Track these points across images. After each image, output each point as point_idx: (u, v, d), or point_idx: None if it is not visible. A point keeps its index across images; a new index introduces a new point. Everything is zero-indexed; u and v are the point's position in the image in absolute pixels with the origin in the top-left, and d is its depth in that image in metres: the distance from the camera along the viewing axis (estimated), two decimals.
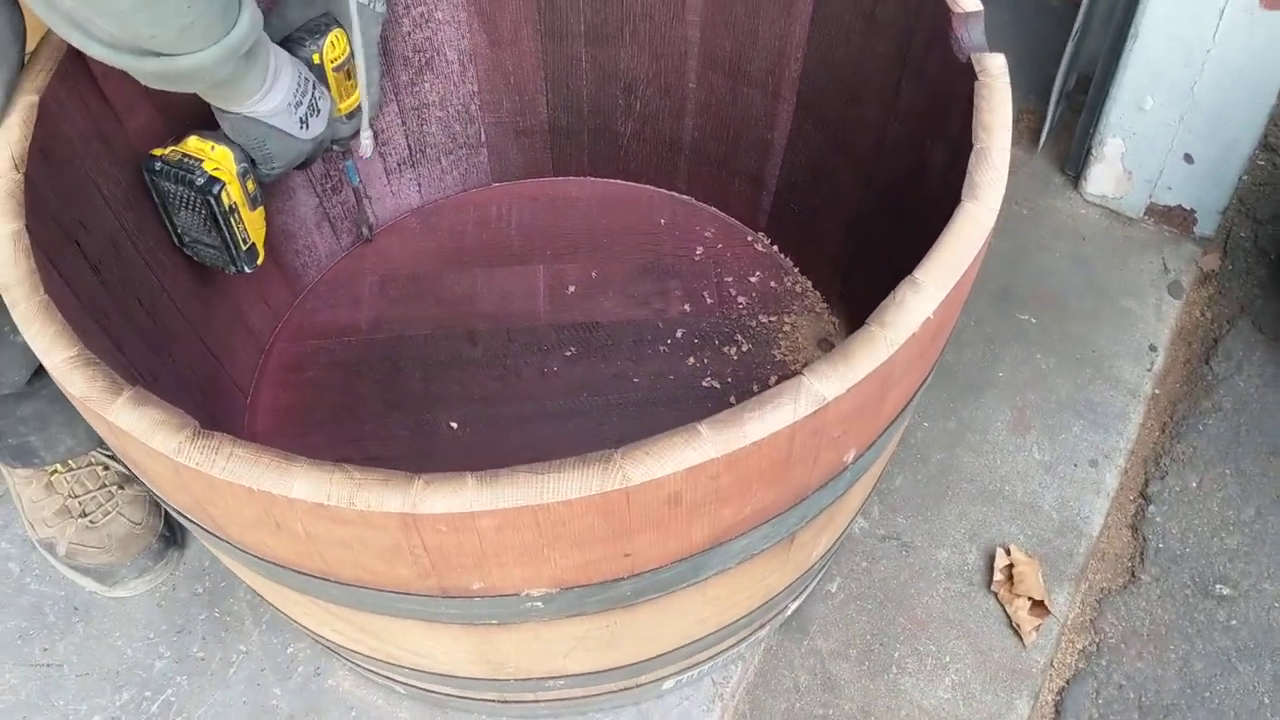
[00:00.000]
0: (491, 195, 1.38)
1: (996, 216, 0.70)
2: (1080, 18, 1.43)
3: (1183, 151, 1.40)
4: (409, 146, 1.29)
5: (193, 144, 0.91)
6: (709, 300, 1.26)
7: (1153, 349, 1.38)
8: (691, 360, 1.21)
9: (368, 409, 1.18)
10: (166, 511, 1.05)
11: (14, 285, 0.69)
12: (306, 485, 0.58)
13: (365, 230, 1.31)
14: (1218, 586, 1.19)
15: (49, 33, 0.82)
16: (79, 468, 1.15)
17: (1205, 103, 1.33)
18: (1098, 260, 1.47)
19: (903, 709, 1.10)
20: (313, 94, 0.94)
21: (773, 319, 1.25)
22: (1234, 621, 1.17)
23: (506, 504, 0.58)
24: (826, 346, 1.23)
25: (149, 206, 0.94)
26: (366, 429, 1.16)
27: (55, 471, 1.15)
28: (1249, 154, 1.36)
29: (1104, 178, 1.49)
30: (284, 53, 0.89)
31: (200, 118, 0.90)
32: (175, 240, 0.98)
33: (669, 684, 1.04)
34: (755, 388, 1.19)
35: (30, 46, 0.82)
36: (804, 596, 1.12)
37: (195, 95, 0.81)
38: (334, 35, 0.97)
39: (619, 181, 1.38)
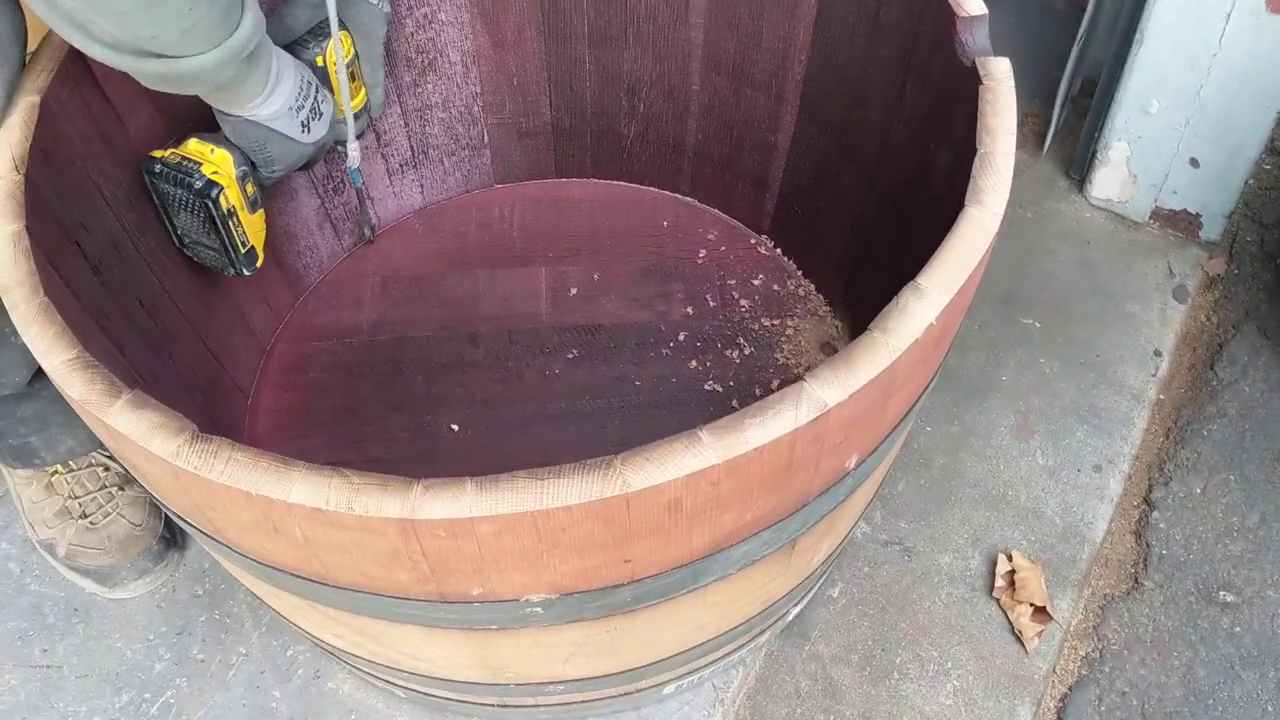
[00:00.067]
0: (494, 197, 1.38)
1: (1000, 221, 0.69)
2: (1085, 21, 1.42)
3: (1188, 155, 1.39)
4: (411, 147, 1.29)
5: (193, 146, 0.90)
6: (711, 303, 1.26)
7: (1157, 354, 1.37)
8: (694, 363, 1.21)
9: (369, 411, 1.17)
10: (166, 513, 1.05)
11: (14, 287, 0.69)
12: (305, 490, 0.58)
13: (367, 231, 1.31)
14: (1221, 593, 1.19)
15: (51, 33, 0.82)
16: (79, 469, 1.15)
17: (1211, 107, 1.32)
18: (1102, 264, 1.46)
19: (904, 715, 1.09)
20: (315, 97, 0.93)
21: (775, 322, 1.24)
22: (1238, 629, 1.16)
23: (506, 509, 0.57)
24: (829, 350, 1.22)
25: (150, 207, 0.94)
26: (368, 431, 1.16)
27: (56, 472, 1.15)
28: (1255, 158, 1.35)
29: (1109, 181, 1.49)
30: (287, 55, 0.89)
31: (201, 119, 0.90)
32: (175, 241, 0.97)
33: (669, 689, 1.03)
34: (757, 391, 1.18)
35: (32, 47, 0.82)
36: (805, 602, 1.12)
37: (197, 97, 0.81)
38: (339, 36, 0.97)
39: (622, 183, 1.38)
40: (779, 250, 1.31)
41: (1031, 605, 1.15)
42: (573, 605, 0.69)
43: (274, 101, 0.87)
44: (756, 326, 1.24)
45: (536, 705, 0.97)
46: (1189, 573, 1.20)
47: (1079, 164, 1.53)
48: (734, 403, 1.18)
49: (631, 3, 1.16)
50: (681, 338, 1.23)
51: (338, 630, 0.81)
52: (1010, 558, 1.18)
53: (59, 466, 1.15)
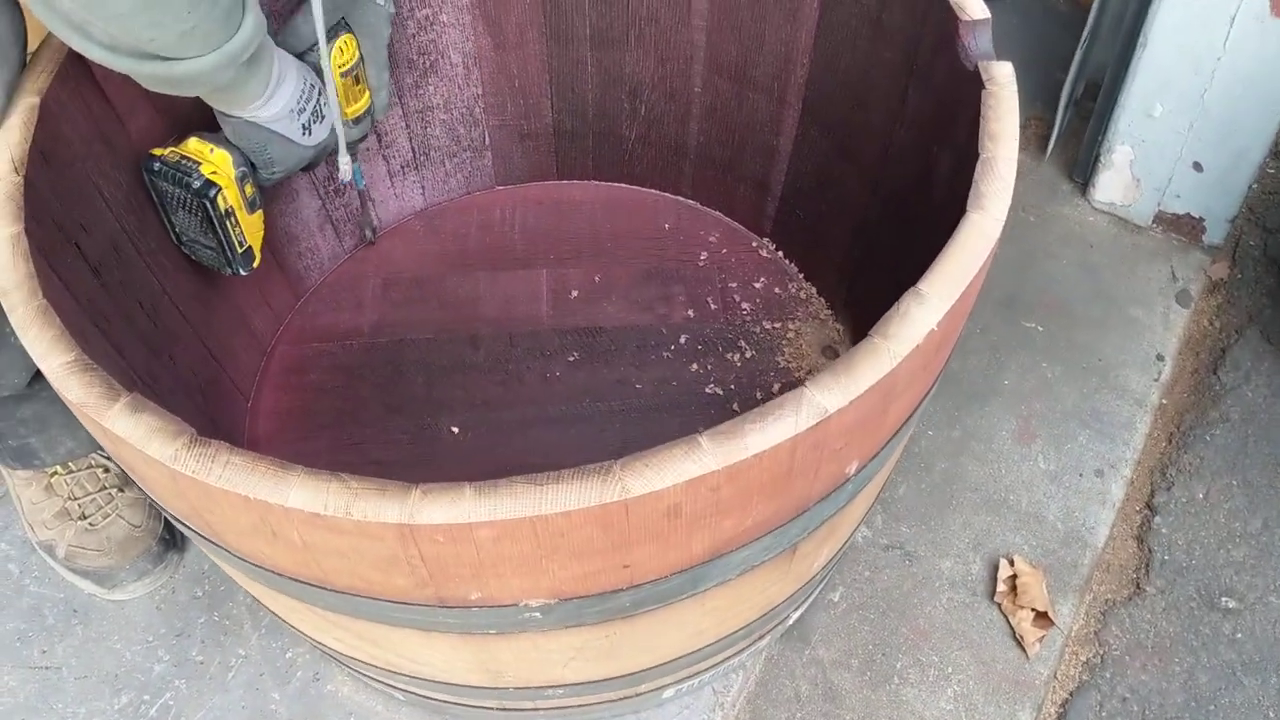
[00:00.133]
0: (495, 198, 1.38)
1: (1002, 226, 0.69)
2: (1089, 24, 1.42)
3: (1192, 159, 1.39)
4: (413, 149, 1.29)
5: (193, 146, 0.90)
6: (713, 306, 1.26)
7: (1160, 358, 1.37)
8: (695, 366, 1.20)
9: (369, 413, 1.17)
10: (165, 515, 1.05)
11: (12, 289, 0.68)
12: (303, 494, 0.58)
13: (368, 233, 1.31)
14: (1223, 599, 1.18)
15: (50, 34, 0.81)
16: (79, 470, 1.15)
17: (1215, 110, 1.32)
18: (1105, 268, 1.46)
19: None
20: (317, 100, 0.93)
21: (777, 325, 1.24)
22: (1239, 635, 1.16)
23: (505, 515, 0.57)
24: (831, 354, 1.22)
25: (150, 209, 0.94)
26: (368, 433, 1.16)
27: (55, 473, 1.15)
28: (1259, 162, 1.35)
29: (1112, 185, 1.48)
30: (290, 58, 0.89)
31: (202, 120, 0.90)
32: (173, 239, 0.97)
33: (669, 693, 1.03)
34: (759, 395, 1.18)
35: (32, 48, 0.82)
36: (806, 606, 1.11)
37: (197, 98, 0.81)
38: (343, 40, 0.97)
39: (623, 185, 1.38)
40: (780, 253, 1.31)
41: (1033, 610, 1.14)
42: (571, 610, 0.68)
43: (275, 104, 0.87)
44: (758, 329, 1.24)
45: (536, 709, 0.97)
46: (1191, 578, 1.20)
47: (1082, 167, 1.53)
48: (735, 406, 1.17)
49: (633, 5, 1.16)
50: (682, 340, 1.23)
51: (337, 633, 0.81)
52: (1012, 562, 1.18)
53: (59, 468, 1.14)
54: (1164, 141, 1.39)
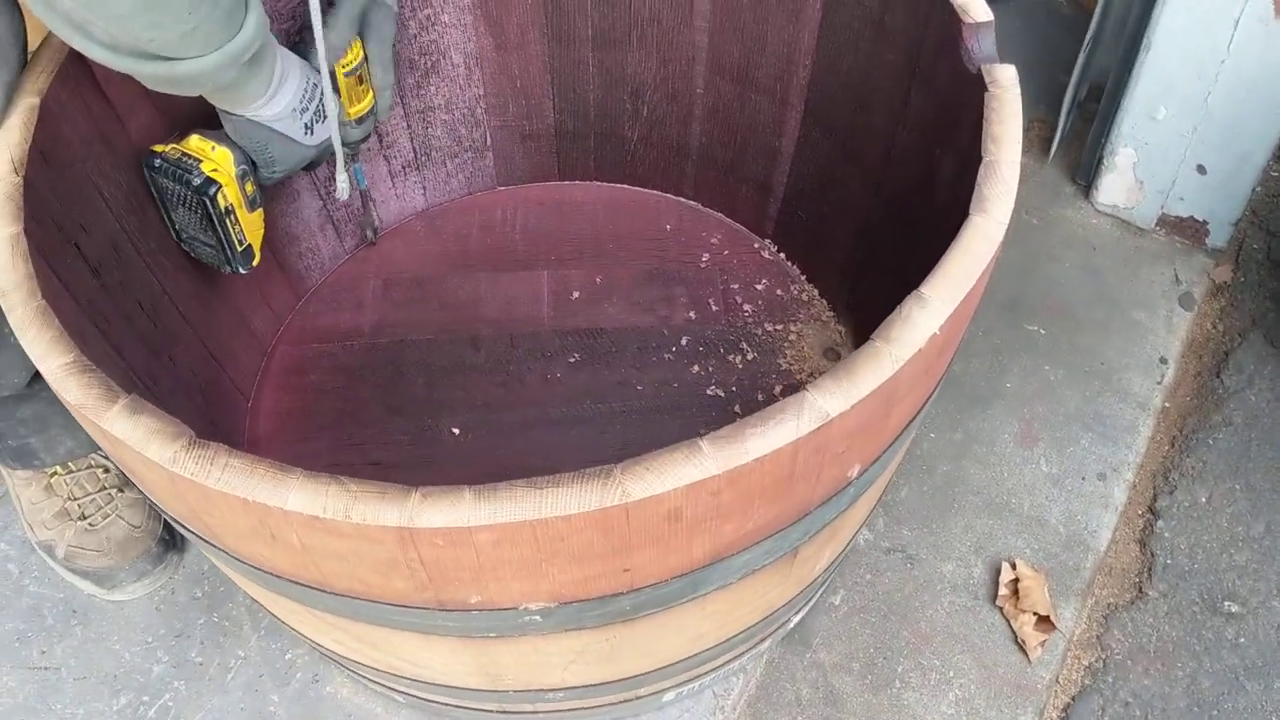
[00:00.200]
0: (496, 199, 1.38)
1: (1005, 230, 0.69)
2: (1093, 26, 1.42)
3: (1195, 162, 1.39)
4: (414, 149, 1.28)
5: (194, 143, 0.90)
6: (714, 307, 1.25)
7: (1163, 361, 1.36)
8: (696, 368, 1.20)
9: (369, 414, 1.17)
10: (164, 516, 1.05)
11: (11, 290, 0.68)
12: (302, 497, 0.57)
13: (369, 233, 1.31)
14: (1226, 603, 1.18)
15: (50, 34, 0.81)
16: (79, 470, 1.15)
17: (1219, 113, 1.32)
18: (1108, 271, 1.45)
19: None
20: (320, 100, 0.93)
21: (778, 327, 1.24)
22: (1242, 639, 1.15)
23: (504, 519, 0.57)
24: (833, 356, 1.22)
25: (150, 209, 0.94)
26: (368, 434, 1.15)
27: (55, 474, 1.15)
28: (1263, 165, 1.34)
29: (1115, 188, 1.48)
30: (294, 57, 0.88)
31: (203, 120, 0.90)
32: (173, 236, 0.97)
33: (669, 696, 1.03)
34: (760, 397, 1.18)
35: (32, 47, 0.82)
36: (807, 609, 1.11)
37: (199, 99, 0.81)
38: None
39: (625, 186, 1.38)
40: (782, 255, 1.31)
41: (1035, 614, 1.14)
42: (571, 614, 0.68)
43: (277, 103, 0.87)
44: (759, 331, 1.23)
45: (536, 711, 0.97)
46: (1193, 582, 1.19)
47: (1085, 170, 1.53)
48: (736, 408, 1.17)
49: (635, 5, 1.16)
50: (684, 342, 1.22)
51: (336, 635, 0.80)
52: (1014, 566, 1.17)
53: (58, 468, 1.14)
54: (1167, 144, 1.39)
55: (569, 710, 0.97)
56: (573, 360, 1.21)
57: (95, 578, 1.13)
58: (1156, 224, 1.48)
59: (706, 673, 0.99)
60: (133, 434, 0.60)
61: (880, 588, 1.17)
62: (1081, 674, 1.14)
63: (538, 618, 0.68)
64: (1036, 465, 1.27)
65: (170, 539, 1.17)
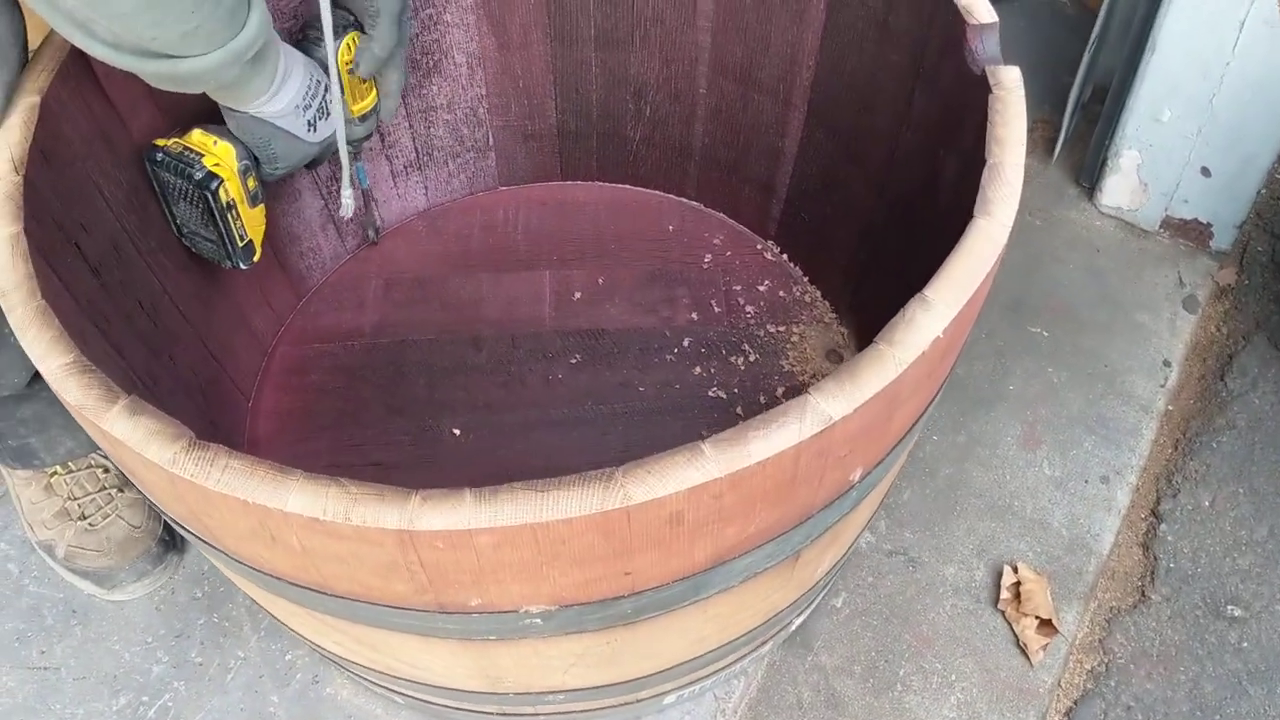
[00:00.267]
0: (498, 199, 1.37)
1: (1009, 233, 0.68)
2: (1097, 27, 1.41)
3: (1200, 164, 1.38)
4: (416, 149, 1.28)
5: (196, 137, 0.90)
6: (717, 309, 1.25)
7: (1166, 364, 1.36)
8: (698, 370, 1.20)
9: (370, 414, 1.17)
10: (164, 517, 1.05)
11: (11, 290, 0.68)
12: (302, 499, 0.57)
13: (371, 233, 1.30)
14: (1229, 607, 1.17)
15: (52, 32, 0.81)
16: (79, 470, 1.15)
17: (1224, 116, 1.31)
18: (1112, 273, 1.45)
19: None
20: (323, 97, 0.92)
21: (781, 329, 1.23)
22: (1245, 643, 1.15)
23: (505, 521, 0.56)
24: (835, 358, 1.21)
25: (151, 208, 0.94)
26: (369, 434, 1.15)
27: (55, 473, 1.14)
28: (1268, 167, 1.34)
29: (1119, 189, 1.47)
30: (297, 54, 0.88)
31: (206, 117, 0.89)
32: (174, 231, 0.97)
33: (670, 699, 1.02)
34: (762, 399, 1.17)
35: (33, 46, 0.82)
36: (808, 612, 1.11)
37: (201, 97, 0.80)
38: (351, 37, 0.96)
39: (627, 186, 1.37)
40: (785, 256, 1.30)
41: (1037, 618, 1.14)
42: (572, 617, 0.68)
43: (280, 100, 0.87)
44: (762, 333, 1.23)
45: (536, 714, 0.97)
46: (1196, 586, 1.19)
47: (1089, 171, 1.52)
48: (738, 410, 1.17)
49: (638, 5, 1.16)
50: (686, 343, 1.22)
51: (336, 637, 0.80)
52: (1016, 569, 1.17)
53: (58, 468, 1.14)
54: (1172, 146, 1.38)
55: (569, 713, 0.97)
56: (574, 361, 1.21)
57: (95, 578, 1.13)
58: (1160, 226, 1.48)
59: (708, 675, 0.99)
60: (133, 435, 0.60)
61: (882, 590, 1.17)
62: (1084, 678, 1.13)
63: (538, 621, 0.67)
64: (1039, 468, 1.26)
65: (170, 539, 1.17)
